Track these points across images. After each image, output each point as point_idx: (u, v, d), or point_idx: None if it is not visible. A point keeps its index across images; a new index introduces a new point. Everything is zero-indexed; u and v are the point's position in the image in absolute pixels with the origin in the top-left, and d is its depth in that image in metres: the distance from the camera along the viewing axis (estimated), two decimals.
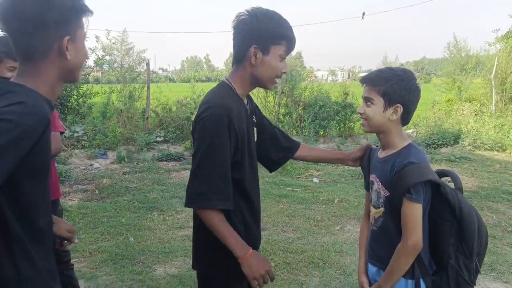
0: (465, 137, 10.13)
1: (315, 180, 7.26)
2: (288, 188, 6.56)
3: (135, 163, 8.12)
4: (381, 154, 1.89)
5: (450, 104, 13.95)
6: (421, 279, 1.75)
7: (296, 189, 6.52)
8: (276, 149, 2.14)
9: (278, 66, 1.78)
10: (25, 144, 1.05)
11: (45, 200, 1.21)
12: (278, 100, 11.46)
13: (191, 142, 9.46)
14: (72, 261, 3.84)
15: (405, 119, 1.81)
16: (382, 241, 1.85)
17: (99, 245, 4.23)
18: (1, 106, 1.06)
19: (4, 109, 1.06)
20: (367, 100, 1.79)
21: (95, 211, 5.23)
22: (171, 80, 53.55)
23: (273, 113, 11.64)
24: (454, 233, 1.72)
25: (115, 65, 9.87)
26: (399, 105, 1.75)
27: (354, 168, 8.05)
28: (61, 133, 2.71)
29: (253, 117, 1.97)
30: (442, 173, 1.91)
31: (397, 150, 1.80)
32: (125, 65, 9.71)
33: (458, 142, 10.17)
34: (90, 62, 11.08)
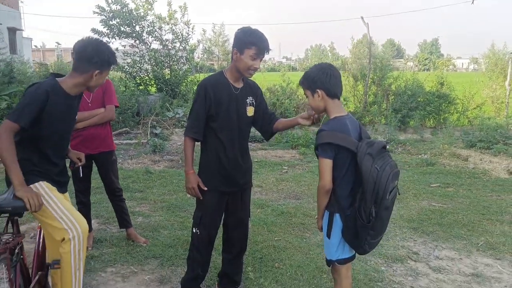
0: None
1: None
2: None
3: None
4: None
5: None
6: (337, 214, 2.45)
7: None
8: (265, 123, 3.09)
9: (249, 63, 2.78)
10: None
11: None
12: (365, 89, 11.78)
13: None
14: (140, 205, 5.13)
15: (332, 95, 2.48)
16: None
17: (163, 198, 5.47)
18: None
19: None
20: (305, 94, 2.61)
21: (172, 175, 6.54)
22: (293, 68, 55.31)
23: (362, 102, 11.99)
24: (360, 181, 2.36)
25: (214, 55, 11.29)
26: (317, 90, 2.49)
27: (422, 157, 8.23)
28: (116, 107, 3.88)
29: (248, 97, 2.96)
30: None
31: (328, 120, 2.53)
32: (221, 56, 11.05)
33: None
34: (198, 53, 12.75)
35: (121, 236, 4.21)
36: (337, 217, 2.45)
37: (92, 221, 4.33)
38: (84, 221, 2.49)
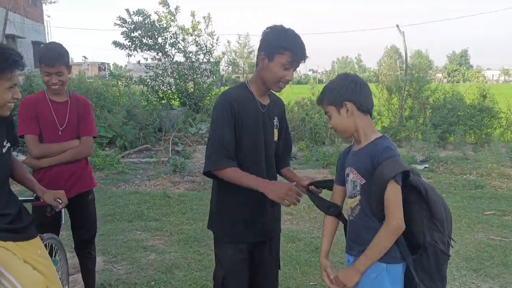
0: None
1: None
2: None
3: None
4: (356, 148, 2.00)
5: None
6: (403, 263, 1.86)
7: None
8: (277, 159, 2.42)
9: (280, 72, 2.11)
10: None
11: None
12: (400, 103, 10.99)
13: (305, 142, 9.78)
14: (154, 238, 4.54)
15: (364, 110, 1.92)
16: (363, 227, 1.93)
17: (180, 228, 4.86)
18: None
19: None
20: (326, 114, 2.00)
21: (192, 199, 5.94)
22: (320, 81, 54.51)
23: (397, 116, 11.19)
24: (424, 214, 1.83)
25: (239, 68, 10.77)
26: (345, 102, 1.90)
27: (467, 177, 7.42)
28: (94, 137, 2.96)
29: (274, 117, 2.32)
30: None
31: (371, 140, 1.91)
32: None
33: None
34: (223, 65, 12.29)
35: (129, 280, 3.60)
36: (399, 268, 1.87)
37: (97, 259, 3.75)
38: (37, 283, 1.94)
